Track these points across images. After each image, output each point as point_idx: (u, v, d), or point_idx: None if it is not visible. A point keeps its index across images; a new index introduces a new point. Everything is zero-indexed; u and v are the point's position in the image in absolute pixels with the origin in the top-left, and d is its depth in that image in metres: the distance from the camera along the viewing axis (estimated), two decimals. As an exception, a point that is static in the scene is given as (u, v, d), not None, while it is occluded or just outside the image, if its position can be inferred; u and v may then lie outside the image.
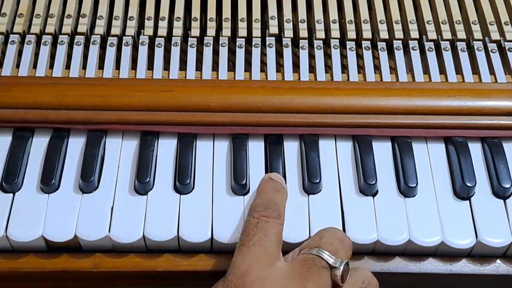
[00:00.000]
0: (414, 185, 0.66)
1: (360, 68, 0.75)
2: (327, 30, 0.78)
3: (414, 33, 0.77)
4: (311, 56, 0.76)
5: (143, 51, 0.75)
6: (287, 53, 0.75)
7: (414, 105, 0.70)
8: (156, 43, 0.75)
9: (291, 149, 0.69)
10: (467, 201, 0.66)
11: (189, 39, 0.76)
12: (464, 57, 0.75)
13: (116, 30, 0.77)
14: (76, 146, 0.68)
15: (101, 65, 0.74)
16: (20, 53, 0.74)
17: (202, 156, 0.68)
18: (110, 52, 0.74)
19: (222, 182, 0.66)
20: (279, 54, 0.76)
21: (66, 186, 0.65)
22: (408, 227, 0.64)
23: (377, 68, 0.75)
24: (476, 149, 0.69)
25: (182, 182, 0.65)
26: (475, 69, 0.75)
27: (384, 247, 0.63)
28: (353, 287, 0.57)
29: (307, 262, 0.57)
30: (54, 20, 0.77)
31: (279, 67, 0.75)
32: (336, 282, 0.56)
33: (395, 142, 0.69)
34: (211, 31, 0.77)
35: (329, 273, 0.56)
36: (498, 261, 0.64)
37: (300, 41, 0.77)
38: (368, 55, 0.75)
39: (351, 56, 0.75)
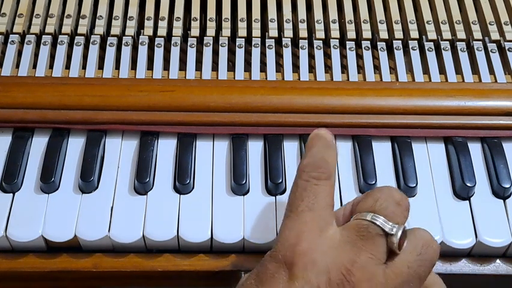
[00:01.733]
0: (414, 185, 0.66)
1: (360, 68, 0.75)
2: (327, 30, 0.78)
3: (414, 33, 0.77)
4: (311, 56, 0.76)
5: (143, 51, 0.75)
6: (287, 53, 0.75)
7: (414, 105, 0.70)
8: (156, 43, 0.75)
9: (291, 149, 0.68)
10: (467, 201, 0.66)
11: (189, 39, 0.76)
12: (464, 57, 0.75)
13: (116, 30, 0.77)
14: (75, 146, 0.68)
15: (101, 65, 0.74)
16: (20, 53, 0.74)
17: (201, 156, 0.68)
18: (110, 52, 0.74)
19: (221, 182, 0.66)
20: (279, 55, 0.76)
21: (66, 186, 0.65)
22: (407, 227, 0.63)
23: (377, 68, 0.75)
24: (476, 149, 0.69)
25: (182, 182, 0.65)
26: (475, 69, 0.75)
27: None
28: (411, 253, 0.52)
29: (361, 229, 0.52)
30: (54, 20, 0.77)
31: (279, 67, 0.75)
32: (393, 250, 0.51)
33: (394, 142, 0.69)
34: (210, 31, 0.77)
35: (385, 240, 0.51)
36: (498, 261, 0.64)
37: (300, 41, 0.77)
38: (367, 55, 0.75)
39: (351, 56, 0.75)
